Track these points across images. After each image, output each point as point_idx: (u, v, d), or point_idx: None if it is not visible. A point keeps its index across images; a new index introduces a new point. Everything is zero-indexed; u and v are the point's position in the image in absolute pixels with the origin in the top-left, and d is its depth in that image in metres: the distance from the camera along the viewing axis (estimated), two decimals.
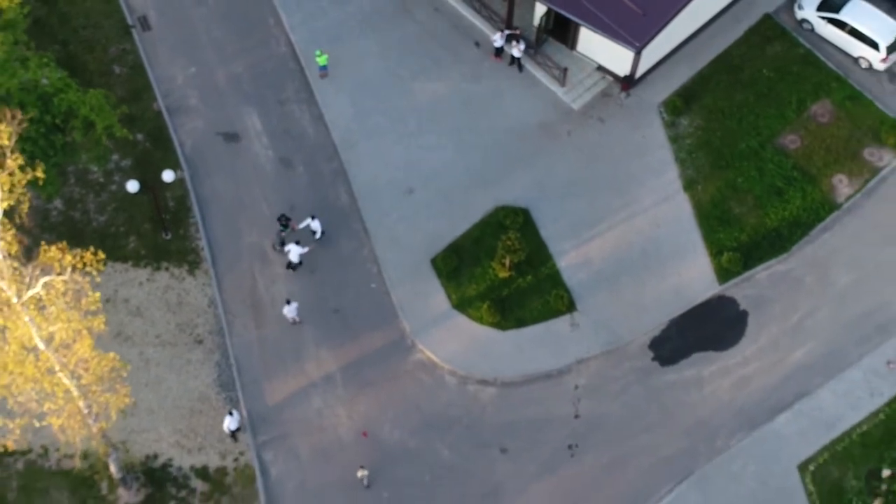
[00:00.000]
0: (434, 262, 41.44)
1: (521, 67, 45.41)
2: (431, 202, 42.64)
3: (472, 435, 38.57)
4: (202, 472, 37.87)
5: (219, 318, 40.31)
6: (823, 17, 45.54)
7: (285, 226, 41.21)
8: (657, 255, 41.57)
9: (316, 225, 41.13)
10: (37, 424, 31.13)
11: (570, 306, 40.51)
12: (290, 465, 38.02)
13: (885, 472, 37.71)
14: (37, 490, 37.22)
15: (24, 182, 27.58)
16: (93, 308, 28.98)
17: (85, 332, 28.66)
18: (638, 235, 41.97)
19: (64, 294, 27.97)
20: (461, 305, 40.62)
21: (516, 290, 40.88)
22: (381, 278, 41.21)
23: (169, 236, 41.83)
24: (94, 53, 45.61)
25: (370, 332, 40.24)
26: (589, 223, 42.19)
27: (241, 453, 38.15)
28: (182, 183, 42.83)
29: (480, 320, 40.24)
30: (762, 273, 41.38)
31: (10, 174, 27.41)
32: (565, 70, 44.72)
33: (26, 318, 27.85)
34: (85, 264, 28.18)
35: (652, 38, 42.57)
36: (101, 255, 28.78)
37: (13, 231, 27.74)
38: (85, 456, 36.60)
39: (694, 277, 41.17)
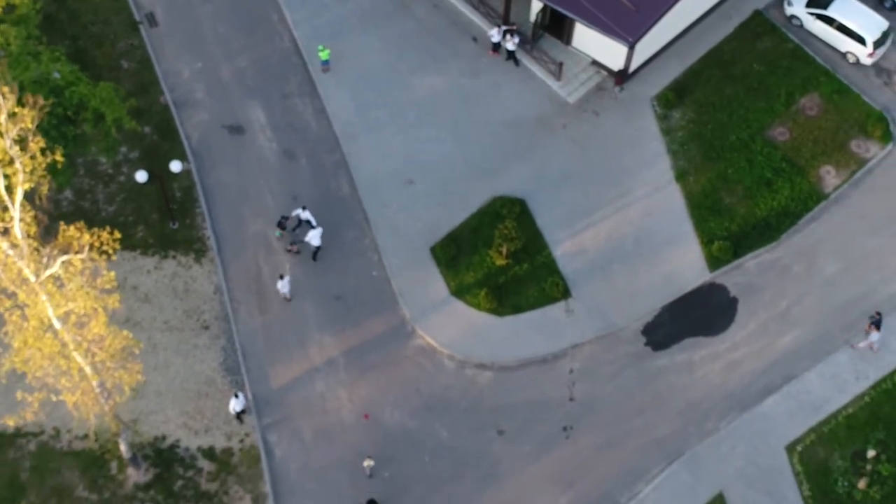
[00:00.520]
0: (433, 250, 41.94)
1: (517, 62, 45.97)
2: (430, 193, 43.11)
3: (469, 417, 38.99)
4: (209, 453, 38.31)
5: (224, 305, 40.78)
6: (812, 14, 46.06)
7: (284, 227, 41.71)
8: (650, 244, 42.04)
9: (307, 214, 41.41)
10: (53, 399, 31.66)
11: (565, 293, 40.97)
12: (293, 447, 38.46)
13: (870, 453, 38.06)
14: (49, 470, 37.64)
15: (44, 165, 28.04)
16: (108, 286, 29.54)
17: (100, 309, 29.20)
18: (631, 225, 42.44)
19: (81, 273, 28.51)
20: (459, 292, 41.09)
21: (513, 278, 41.33)
22: (381, 266, 41.69)
23: (176, 226, 42.32)
24: (102, 49, 46.13)
25: (371, 318, 40.69)
26: (584, 213, 42.64)
27: (247, 435, 38.54)
28: (188, 174, 43.28)
29: (478, 307, 40.70)
30: (752, 261, 41.85)
31: (32, 157, 27.84)
32: (561, 65, 45.24)
33: (43, 297, 28.44)
34: (102, 243, 28.76)
35: (645, 33, 43.09)
36: (118, 235, 29.38)
37: (33, 213, 28.23)
38: (96, 437, 37.17)
39: (685, 265, 41.63)
